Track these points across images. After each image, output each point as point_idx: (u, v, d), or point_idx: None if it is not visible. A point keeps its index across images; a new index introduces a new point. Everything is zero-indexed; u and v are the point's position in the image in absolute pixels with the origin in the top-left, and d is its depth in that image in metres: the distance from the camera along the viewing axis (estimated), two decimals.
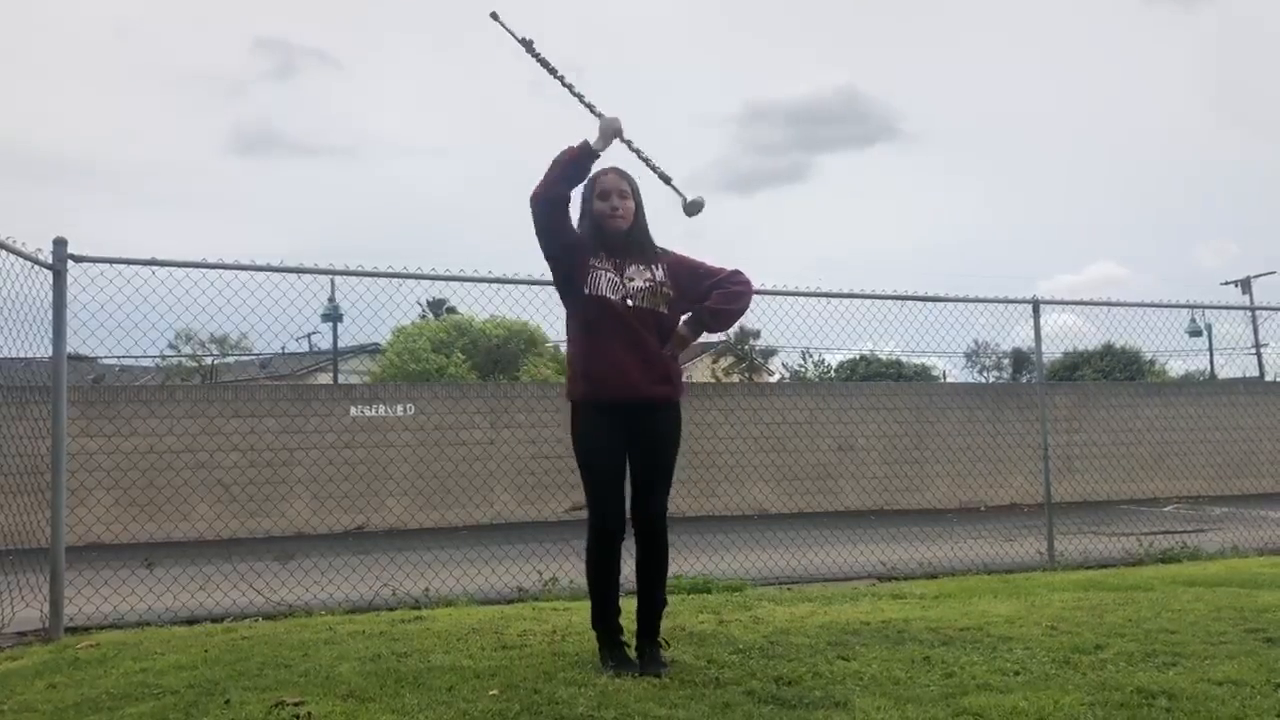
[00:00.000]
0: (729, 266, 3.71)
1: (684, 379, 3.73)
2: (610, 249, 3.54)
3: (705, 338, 3.63)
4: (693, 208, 3.64)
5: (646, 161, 3.62)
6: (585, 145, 3.44)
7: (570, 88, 3.58)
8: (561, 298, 3.64)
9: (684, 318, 3.62)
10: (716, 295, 3.60)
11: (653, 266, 3.57)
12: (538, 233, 3.50)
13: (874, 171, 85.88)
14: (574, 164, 3.43)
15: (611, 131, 3.49)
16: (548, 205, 3.43)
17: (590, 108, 3.55)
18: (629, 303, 3.48)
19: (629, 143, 3.54)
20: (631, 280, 3.51)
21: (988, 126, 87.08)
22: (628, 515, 3.54)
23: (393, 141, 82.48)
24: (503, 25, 3.57)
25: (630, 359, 3.45)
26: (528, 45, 3.55)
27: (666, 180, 3.64)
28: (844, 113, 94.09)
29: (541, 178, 3.43)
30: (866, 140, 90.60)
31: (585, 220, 3.59)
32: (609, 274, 3.50)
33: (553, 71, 3.56)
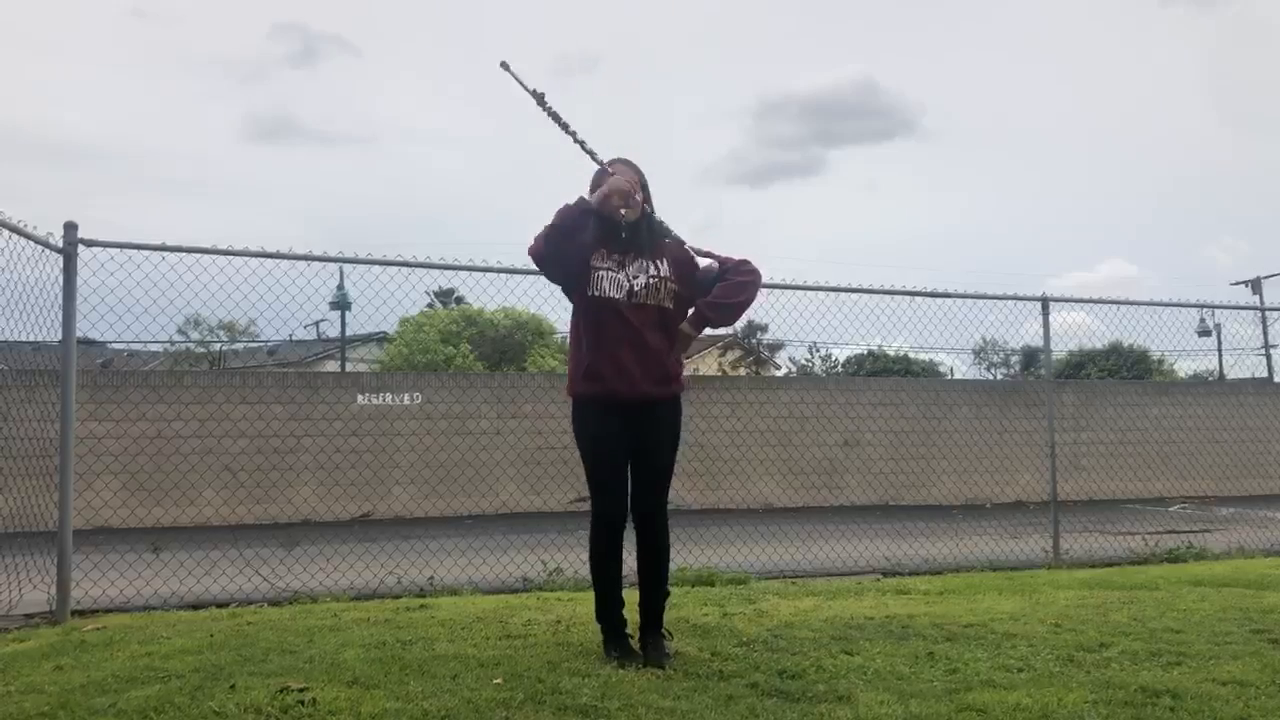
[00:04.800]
0: (737, 256, 3.61)
1: (690, 372, 3.72)
2: (613, 244, 3.51)
3: (713, 331, 3.58)
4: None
5: (650, 218, 3.56)
6: (583, 201, 3.45)
7: (583, 144, 3.57)
8: (565, 296, 3.65)
9: (689, 314, 3.56)
10: (719, 288, 3.51)
11: (657, 261, 3.53)
12: (550, 277, 3.55)
13: (888, 166, 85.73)
14: (577, 216, 3.42)
15: (617, 190, 3.44)
16: (553, 249, 3.42)
17: (600, 164, 3.55)
18: (633, 300, 3.46)
19: (649, 214, 3.50)
20: (635, 277, 3.49)
21: (1003, 123, 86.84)
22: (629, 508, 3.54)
23: (409, 130, 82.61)
24: (514, 76, 3.52)
25: (631, 358, 3.44)
26: (539, 98, 3.51)
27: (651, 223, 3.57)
28: (861, 106, 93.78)
29: (543, 232, 3.41)
30: (884, 135, 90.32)
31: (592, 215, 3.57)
32: (611, 272, 3.48)
33: (564, 126, 3.53)
